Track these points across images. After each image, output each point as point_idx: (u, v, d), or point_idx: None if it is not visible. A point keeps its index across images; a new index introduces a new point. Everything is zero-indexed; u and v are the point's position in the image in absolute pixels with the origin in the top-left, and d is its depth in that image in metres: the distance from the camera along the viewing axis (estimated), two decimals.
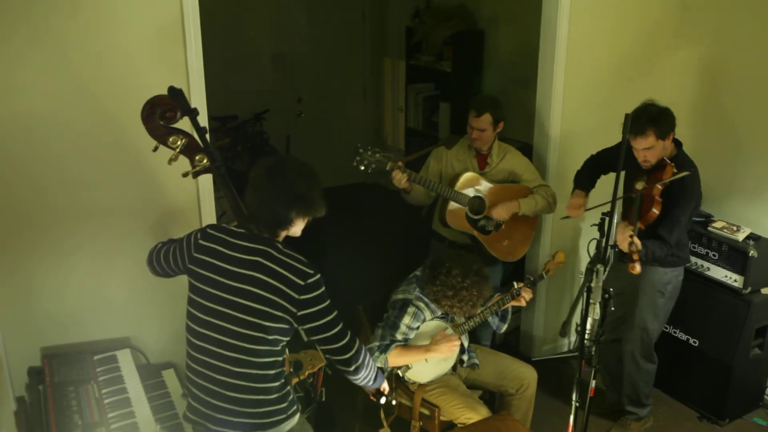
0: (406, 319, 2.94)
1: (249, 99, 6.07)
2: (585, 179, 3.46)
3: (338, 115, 6.83)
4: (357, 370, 2.25)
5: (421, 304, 2.98)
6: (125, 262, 3.00)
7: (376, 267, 4.83)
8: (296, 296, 2.06)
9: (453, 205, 3.49)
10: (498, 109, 3.45)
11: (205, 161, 2.25)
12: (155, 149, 2.28)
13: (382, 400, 2.50)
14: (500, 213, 3.47)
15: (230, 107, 5.79)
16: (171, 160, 2.25)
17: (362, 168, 3.29)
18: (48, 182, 2.82)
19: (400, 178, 3.34)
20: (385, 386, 2.49)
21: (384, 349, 2.89)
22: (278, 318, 2.06)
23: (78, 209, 2.89)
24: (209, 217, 3.13)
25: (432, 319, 3.02)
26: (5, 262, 2.82)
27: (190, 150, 2.24)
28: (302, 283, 2.06)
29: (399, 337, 2.94)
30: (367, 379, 2.32)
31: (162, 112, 2.20)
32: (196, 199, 3.09)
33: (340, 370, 2.28)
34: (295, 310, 2.07)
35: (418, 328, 2.98)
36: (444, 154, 3.60)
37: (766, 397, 3.85)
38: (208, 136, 2.32)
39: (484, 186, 3.51)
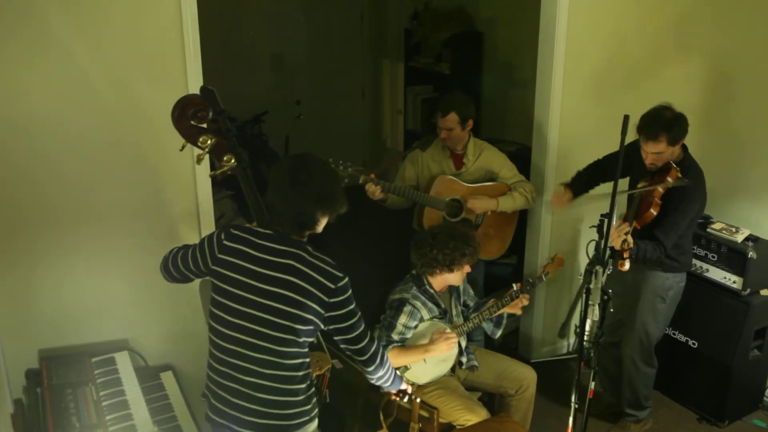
0: (403, 319, 2.94)
1: (247, 101, 6.06)
2: (578, 183, 3.44)
3: (337, 117, 6.82)
4: (375, 371, 2.30)
5: (418, 303, 2.98)
6: (124, 264, 3.00)
7: (376, 268, 4.81)
8: (326, 299, 2.08)
9: (430, 209, 3.48)
10: (464, 108, 3.43)
11: (232, 161, 2.24)
12: (182, 148, 2.27)
13: (405, 399, 2.56)
14: (475, 204, 3.45)
15: (229, 109, 5.77)
16: (199, 160, 2.25)
17: None
18: (47, 183, 2.81)
19: (373, 191, 3.35)
20: (406, 386, 2.53)
21: None
22: (308, 320, 2.07)
23: (76, 211, 2.88)
24: (208, 218, 3.13)
25: (430, 319, 3.01)
26: (3, 263, 2.81)
27: (218, 150, 2.24)
28: (333, 286, 2.08)
29: (395, 337, 2.93)
30: (384, 380, 2.36)
31: (194, 112, 2.20)
32: (194, 200, 3.09)
33: (359, 369, 2.32)
34: (323, 312, 2.09)
35: (415, 327, 2.98)
36: (419, 156, 3.59)
37: (765, 398, 3.85)
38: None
39: (461, 188, 3.50)
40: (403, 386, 2.51)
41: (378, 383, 2.39)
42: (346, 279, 2.12)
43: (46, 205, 2.83)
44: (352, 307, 2.15)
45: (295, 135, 6.52)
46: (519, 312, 3.20)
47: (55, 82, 2.72)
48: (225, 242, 2.14)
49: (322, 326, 2.13)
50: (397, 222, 3.90)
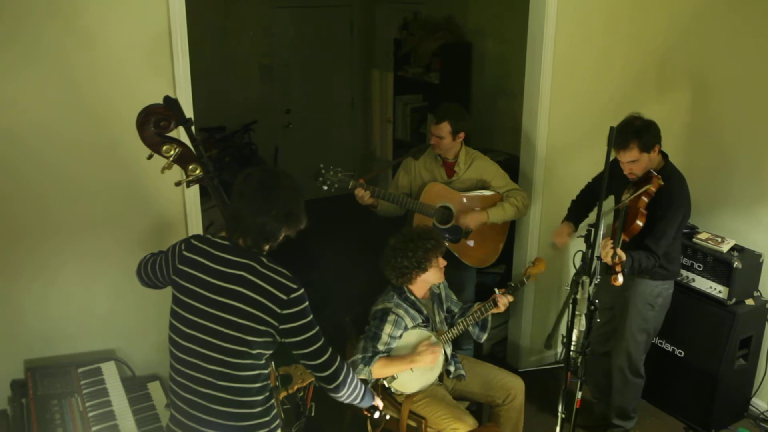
0: (388, 328, 2.95)
1: (237, 110, 6.08)
2: (573, 212, 3.50)
3: (326, 126, 6.85)
4: (338, 388, 2.23)
5: (401, 311, 2.99)
6: (110, 274, 2.99)
7: (366, 278, 4.82)
8: (278, 311, 2.04)
9: (420, 216, 3.51)
10: (458, 120, 3.48)
11: (198, 171, 2.25)
12: (150, 157, 2.27)
13: (376, 415, 2.48)
14: (468, 222, 3.49)
15: (218, 118, 5.80)
16: (164, 169, 2.25)
17: (325, 188, 3.35)
18: (34, 193, 2.80)
19: (362, 196, 3.39)
20: (378, 402, 2.48)
21: (368, 362, 2.89)
22: (261, 332, 2.05)
23: (63, 221, 2.87)
24: (196, 227, 3.13)
25: (414, 327, 3.02)
26: None
27: (183, 159, 2.24)
28: (285, 297, 2.04)
29: (381, 348, 2.94)
30: (352, 397, 2.30)
31: (156, 121, 2.20)
32: (182, 210, 3.08)
33: (322, 387, 2.27)
34: (277, 324, 2.05)
35: (400, 336, 2.99)
36: (412, 165, 3.64)
37: (751, 407, 3.88)
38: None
39: (451, 195, 3.53)
40: (376, 401, 2.45)
41: (345, 401, 2.31)
42: (301, 291, 2.07)
43: (32, 215, 2.81)
44: (307, 320, 2.08)
45: (285, 144, 6.54)
46: (502, 310, 3.19)
47: (45, 94, 2.72)
48: (184, 252, 2.14)
49: (278, 339, 2.08)
50: (389, 232, 3.90)
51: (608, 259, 2.84)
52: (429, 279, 3.05)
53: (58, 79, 2.73)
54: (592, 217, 3.39)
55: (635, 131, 3.01)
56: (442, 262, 3.04)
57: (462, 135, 3.51)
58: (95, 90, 2.79)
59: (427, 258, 2.97)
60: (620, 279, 2.84)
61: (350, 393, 2.27)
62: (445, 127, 3.45)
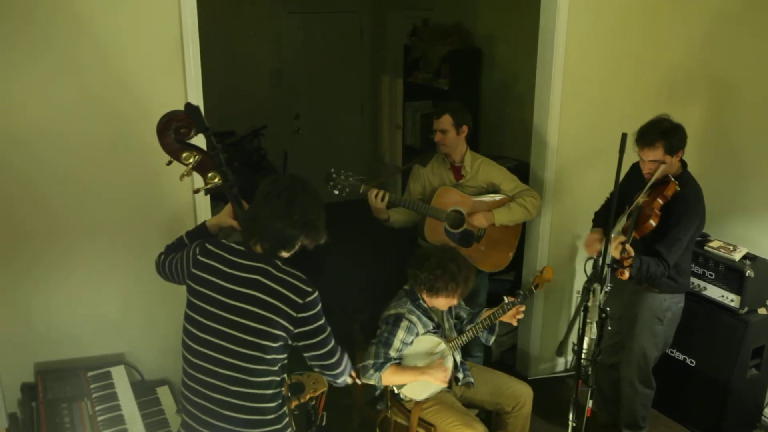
0: (400, 334, 2.94)
1: (247, 115, 6.10)
2: (600, 219, 3.43)
3: (336, 131, 6.86)
4: (343, 381, 2.28)
5: (414, 318, 2.98)
6: (120, 278, 3.00)
7: (375, 283, 4.81)
8: (295, 314, 2.05)
9: (431, 221, 3.51)
10: (459, 112, 3.49)
11: (216, 179, 2.25)
12: (169, 163, 2.28)
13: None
14: (480, 221, 3.48)
15: (228, 123, 5.81)
16: (183, 176, 2.25)
17: (336, 192, 3.35)
18: (44, 197, 2.82)
19: (374, 201, 3.36)
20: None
21: (379, 368, 2.89)
22: (276, 336, 2.05)
23: (73, 224, 2.88)
24: None
25: (425, 333, 3.01)
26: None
27: (202, 167, 2.24)
28: (301, 301, 2.06)
29: (393, 354, 2.93)
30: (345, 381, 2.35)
31: (177, 128, 2.20)
32: (193, 214, 3.09)
33: (325, 377, 2.30)
34: (292, 328, 2.06)
35: (411, 342, 2.97)
36: (420, 172, 3.64)
37: (763, 417, 3.84)
38: None
39: (462, 198, 3.53)
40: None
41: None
42: (316, 294, 2.09)
43: (40, 219, 2.83)
44: (321, 322, 2.11)
45: (294, 149, 6.55)
46: (514, 323, 3.19)
47: (54, 96, 2.73)
48: (199, 257, 2.14)
49: (290, 342, 2.09)
50: (398, 237, 3.90)
51: (616, 253, 2.80)
52: (433, 301, 3.02)
53: (67, 83, 2.74)
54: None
55: (663, 132, 3.01)
56: (452, 301, 3.01)
57: (465, 129, 3.51)
58: (105, 94, 2.80)
59: (437, 292, 2.94)
60: (627, 273, 2.81)
61: (346, 379, 2.31)
62: (447, 120, 3.46)
